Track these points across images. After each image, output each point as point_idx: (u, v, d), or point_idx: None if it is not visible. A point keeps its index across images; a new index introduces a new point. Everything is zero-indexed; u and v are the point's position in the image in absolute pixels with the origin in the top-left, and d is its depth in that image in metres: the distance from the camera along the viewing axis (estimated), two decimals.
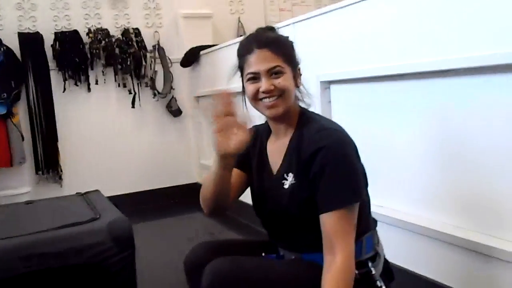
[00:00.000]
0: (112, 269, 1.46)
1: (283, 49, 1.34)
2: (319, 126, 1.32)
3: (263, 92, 1.31)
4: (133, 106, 4.03)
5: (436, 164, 1.95)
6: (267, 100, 1.32)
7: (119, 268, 1.46)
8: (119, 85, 4.00)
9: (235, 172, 1.46)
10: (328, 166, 1.25)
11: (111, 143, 4.05)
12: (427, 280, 2.01)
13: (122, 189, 3.95)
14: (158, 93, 4.08)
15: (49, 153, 3.75)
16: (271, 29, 1.42)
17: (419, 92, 1.95)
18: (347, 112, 2.38)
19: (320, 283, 1.24)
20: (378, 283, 1.32)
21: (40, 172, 3.75)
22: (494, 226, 1.75)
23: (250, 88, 1.33)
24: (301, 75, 1.42)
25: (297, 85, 1.39)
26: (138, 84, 4.03)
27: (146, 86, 4.06)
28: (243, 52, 1.36)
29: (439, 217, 1.96)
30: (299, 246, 1.39)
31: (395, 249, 1.90)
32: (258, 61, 1.31)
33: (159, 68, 4.10)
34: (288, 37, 1.43)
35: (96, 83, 3.93)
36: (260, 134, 1.50)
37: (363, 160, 1.41)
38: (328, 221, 1.24)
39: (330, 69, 2.41)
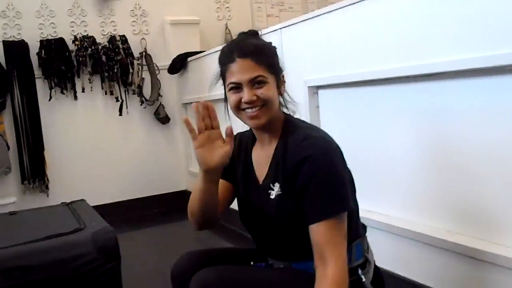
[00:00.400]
0: (97, 281, 1.42)
1: (265, 57, 1.31)
2: (304, 135, 1.30)
3: (246, 103, 1.28)
4: (120, 114, 3.99)
5: (426, 169, 1.94)
6: (249, 110, 1.29)
7: (105, 279, 1.42)
8: (106, 93, 3.97)
9: (221, 183, 1.43)
10: (314, 177, 1.23)
11: (98, 151, 4.01)
12: (418, 285, 1.99)
13: (109, 198, 3.92)
14: (146, 100, 4.05)
15: (35, 162, 3.70)
16: (254, 34, 1.39)
17: (408, 96, 1.94)
18: (335, 117, 2.37)
19: None
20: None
21: (26, 182, 3.70)
22: (483, 230, 1.73)
23: (233, 98, 1.31)
24: (284, 82, 1.39)
25: (280, 93, 1.36)
26: (125, 91, 4.00)
27: (134, 93, 4.03)
28: (225, 60, 1.32)
29: (429, 222, 1.95)
30: (288, 255, 1.37)
31: (386, 254, 1.89)
32: (240, 70, 1.28)
33: (146, 75, 4.07)
34: (271, 43, 1.40)
35: (83, 91, 3.89)
36: (245, 142, 1.47)
37: (352, 165, 1.39)
38: (318, 232, 1.22)
39: (318, 74, 2.39)
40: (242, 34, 1.38)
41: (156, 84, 4.08)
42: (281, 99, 1.39)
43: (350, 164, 1.36)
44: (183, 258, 1.42)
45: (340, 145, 1.34)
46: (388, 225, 2.07)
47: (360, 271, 1.32)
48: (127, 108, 4.01)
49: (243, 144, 1.47)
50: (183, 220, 3.90)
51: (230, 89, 1.31)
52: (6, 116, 3.65)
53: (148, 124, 4.18)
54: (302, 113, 2.49)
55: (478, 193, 1.74)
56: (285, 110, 1.41)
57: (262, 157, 1.40)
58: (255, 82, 1.28)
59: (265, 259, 1.44)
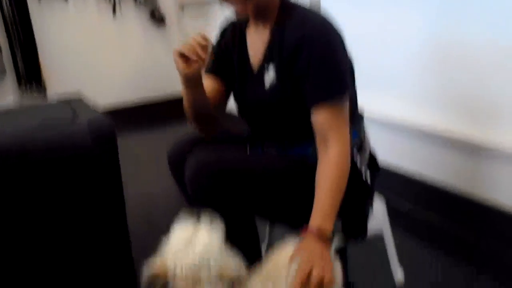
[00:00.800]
0: (94, 170, 1.40)
1: None
2: (303, 18, 1.23)
3: None
4: (114, 14, 3.83)
5: (431, 60, 1.88)
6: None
7: (101, 168, 1.40)
8: None
9: (212, 80, 1.41)
10: (314, 60, 1.19)
11: (94, 54, 3.90)
12: (416, 175, 2.01)
13: (105, 100, 3.86)
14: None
15: (30, 65, 3.61)
16: None
17: None
18: (338, 2, 2.22)
19: (307, 175, 1.21)
20: (363, 171, 1.31)
21: (23, 85, 3.63)
22: (481, 121, 1.73)
23: None
24: None
25: None
26: None
27: None
28: None
29: (430, 113, 1.93)
30: (283, 141, 1.35)
31: (384, 146, 1.88)
32: None
33: None
34: None
35: None
36: (238, 28, 1.40)
37: (356, 54, 1.33)
38: (319, 115, 1.19)
39: None
40: None
41: None
42: None
43: (352, 52, 1.30)
44: (180, 140, 1.41)
45: (341, 31, 1.26)
46: (388, 118, 2.05)
47: (355, 154, 1.30)
48: (120, 9, 3.85)
49: (237, 28, 1.40)
50: (181, 124, 3.90)
51: None
52: None
53: (143, 25, 4.03)
54: None
55: (480, 86, 1.71)
56: None
57: (257, 43, 1.34)
58: None
59: (261, 146, 1.42)
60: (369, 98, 1.78)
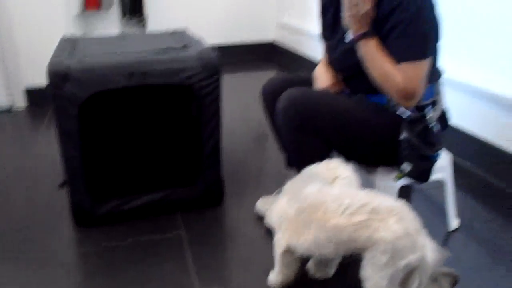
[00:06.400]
0: (201, 91, 1.63)
1: None
2: None
3: None
4: None
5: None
6: None
7: (208, 91, 1.64)
8: None
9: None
10: (401, 24, 1.33)
11: None
12: (480, 139, 2.09)
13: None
14: None
15: None
16: None
17: None
18: None
19: (382, 118, 1.39)
20: (431, 124, 1.43)
21: (126, 17, 3.94)
22: None
23: None
24: None
25: None
26: None
27: None
28: None
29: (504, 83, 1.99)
30: (363, 89, 1.51)
31: (460, 110, 1.97)
32: None
33: None
34: None
35: None
36: None
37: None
38: (400, 70, 1.36)
39: None
40: None
41: None
42: None
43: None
44: (273, 79, 1.62)
45: None
46: (470, 86, 2.12)
47: (428, 108, 1.44)
48: None
49: None
50: (269, 70, 4.09)
51: None
52: None
53: None
54: None
55: None
56: None
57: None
58: None
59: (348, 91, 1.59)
60: (450, 62, 1.86)
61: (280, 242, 1.29)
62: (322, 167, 1.33)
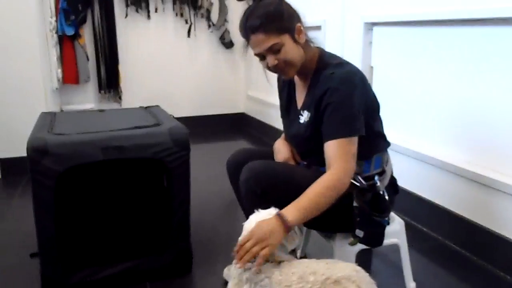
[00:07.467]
0: (171, 165, 1.76)
1: (274, 24, 1.47)
2: (331, 70, 1.52)
3: (272, 67, 1.53)
4: (188, 36, 4.27)
5: (460, 109, 2.13)
6: (277, 71, 1.56)
7: (178, 164, 1.77)
8: (176, 15, 4.24)
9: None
10: (331, 105, 1.48)
11: (167, 68, 4.36)
12: (430, 202, 2.25)
13: (174, 112, 4.27)
14: (213, 24, 4.30)
15: (110, 74, 4.08)
16: None
17: (465, 40, 2.05)
18: (386, 54, 2.50)
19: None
20: (381, 192, 1.57)
21: (103, 91, 4.10)
22: (494, 162, 1.95)
23: (262, 64, 1.57)
24: (303, 28, 1.55)
25: (299, 43, 1.54)
26: (194, 14, 4.26)
27: (202, 17, 4.28)
28: (242, 35, 1.55)
29: (450, 152, 2.18)
30: (317, 162, 1.64)
31: (407, 175, 2.13)
32: (256, 45, 1.51)
33: (215, 0, 4.29)
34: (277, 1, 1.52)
35: (156, 11, 4.17)
36: None
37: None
38: (329, 148, 1.49)
39: (375, 11, 2.54)
40: (252, 5, 1.53)
41: (223, 10, 4.31)
42: (308, 38, 1.59)
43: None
44: (237, 152, 1.78)
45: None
46: (417, 153, 2.30)
47: (376, 178, 1.58)
48: (195, 30, 4.28)
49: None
50: (239, 140, 4.25)
51: (257, 56, 1.56)
52: (86, 30, 4.00)
53: (213, 47, 4.46)
54: (353, 48, 2.70)
55: (493, 134, 1.94)
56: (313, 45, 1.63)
57: (300, 88, 1.68)
58: (272, 51, 1.50)
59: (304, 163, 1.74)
60: (396, 132, 2.02)
61: None
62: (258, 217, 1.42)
